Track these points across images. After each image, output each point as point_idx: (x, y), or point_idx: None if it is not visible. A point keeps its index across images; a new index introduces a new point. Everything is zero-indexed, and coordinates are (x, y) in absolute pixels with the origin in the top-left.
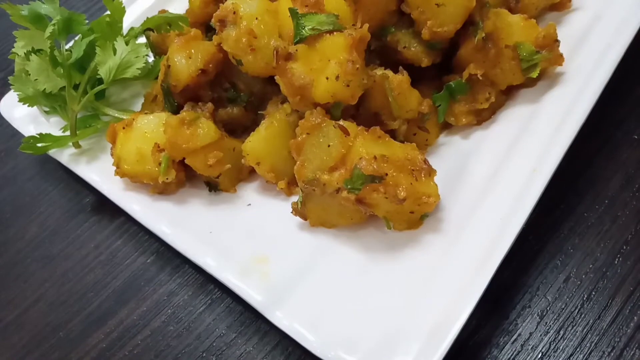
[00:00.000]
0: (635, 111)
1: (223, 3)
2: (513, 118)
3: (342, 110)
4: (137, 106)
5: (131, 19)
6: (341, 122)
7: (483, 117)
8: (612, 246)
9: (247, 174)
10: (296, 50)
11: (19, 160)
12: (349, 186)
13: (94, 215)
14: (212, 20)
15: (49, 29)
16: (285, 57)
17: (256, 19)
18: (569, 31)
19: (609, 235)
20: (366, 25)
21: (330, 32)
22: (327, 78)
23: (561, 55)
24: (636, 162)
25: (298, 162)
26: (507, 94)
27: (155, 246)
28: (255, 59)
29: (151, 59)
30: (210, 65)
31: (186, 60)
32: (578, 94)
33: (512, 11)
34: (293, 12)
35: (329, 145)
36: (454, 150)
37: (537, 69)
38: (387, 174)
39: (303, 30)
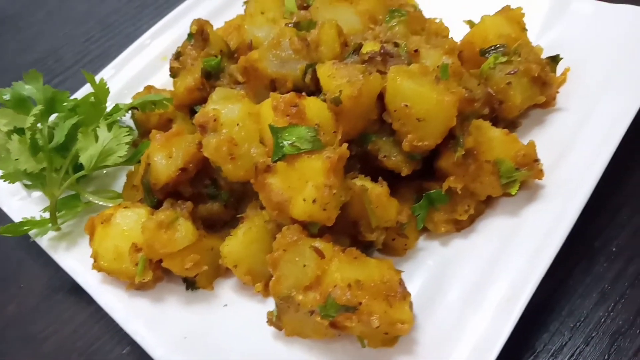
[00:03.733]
0: (615, 220)
1: (208, 91)
2: (492, 230)
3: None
4: (120, 182)
5: (116, 88)
6: (317, 244)
7: (462, 225)
8: None
9: (225, 270)
10: (275, 164)
11: None
12: (322, 313)
13: (73, 295)
14: (194, 121)
15: (30, 119)
16: (264, 170)
17: (237, 124)
18: (552, 133)
19: (582, 357)
20: (345, 145)
21: (309, 152)
22: (304, 199)
23: (541, 171)
24: (613, 277)
25: (274, 277)
26: (487, 202)
27: None
28: (234, 167)
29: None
30: (191, 165)
31: (166, 160)
32: (558, 215)
33: (496, 112)
34: (273, 129)
35: (304, 265)
36: (433, 259)
37: (516, 186)
38: (361, 303)
39: (282, 149)
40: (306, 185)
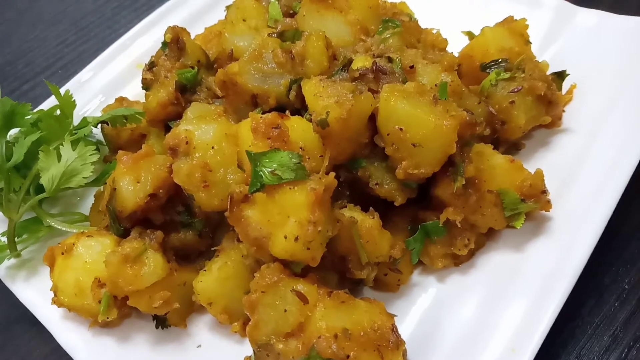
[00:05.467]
0: (624, 254)
1: (182, 105)
2: (494, 266)
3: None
4: (89, 202)
5: (88, 95)
6: (300, 286)
7: (461, 260)
8: None
9: (200, 306)
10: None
11: None
12: None
13: (35, 326)
14: (164, 142)
15: None
16: (241, 201)
17: (212, 148)
18: (558, 156)
19: None
20: (332, 174)
21: (292, 182)
22: (285, 237)
23: (549, 202)
24: (625, 318)
25: (252, 322)
26: (488, 235)
27: None
28: (208, 196)
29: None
30: (161, 191)
31: (133, 185)
32: (566, 251)
33: (497, 133)
34: (250, 157)
35: (285, 310)
36: (428, 297)
37: (521, 219)
38: (348, 356)
39: (262, 178)
40: (288, 220)
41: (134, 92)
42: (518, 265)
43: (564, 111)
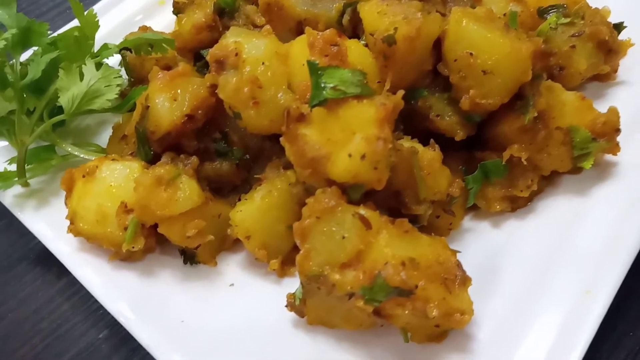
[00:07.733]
0: None
1: (219, 31)
2: (554, 212)
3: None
4: (104, 137)
5: (104, 31)
6: (362, 210)
7: (519, 204)
8: None
9: (232, 243)
10: (311, 111)
11: None
12: (367, 296)
13: (39, 266)
14: (208, 57)
15: (0, 43)
16: (297, 119)
17: (263, 64)
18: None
19: None
20: (401, 92)
21: (358, 97)
22: (349, 155)
23: (618, 144)
24: None
25: (302, 251)
26: (548, 179)
27: (111, 317)
28: (257, 115)
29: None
30: (200, 112)
31: (170, 103)
32: (636, 197)
33: (555, 80)
34: (312, 67)
35: (343, 237)
36: (483, 242)
37: (591, 159)
38: (416, 287)
39: (324, 92)
40: (353, 137)
41: (157, 28)
42: (582, 210)
43: (618, 65)
